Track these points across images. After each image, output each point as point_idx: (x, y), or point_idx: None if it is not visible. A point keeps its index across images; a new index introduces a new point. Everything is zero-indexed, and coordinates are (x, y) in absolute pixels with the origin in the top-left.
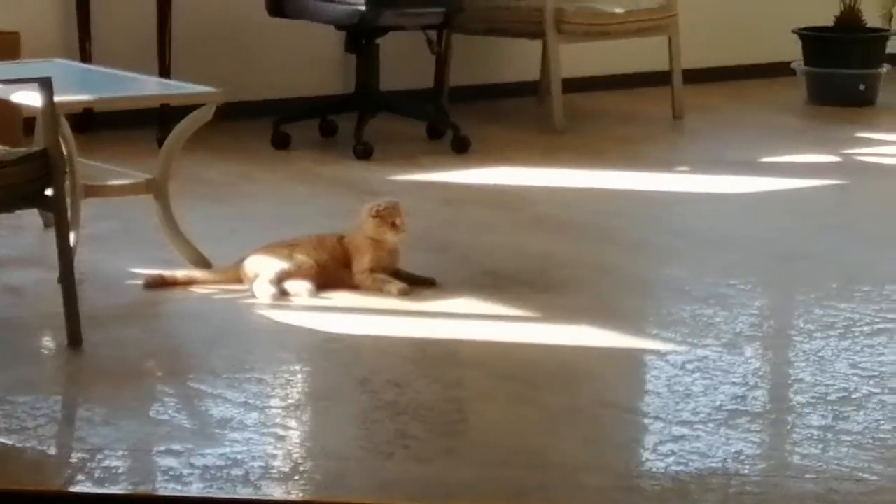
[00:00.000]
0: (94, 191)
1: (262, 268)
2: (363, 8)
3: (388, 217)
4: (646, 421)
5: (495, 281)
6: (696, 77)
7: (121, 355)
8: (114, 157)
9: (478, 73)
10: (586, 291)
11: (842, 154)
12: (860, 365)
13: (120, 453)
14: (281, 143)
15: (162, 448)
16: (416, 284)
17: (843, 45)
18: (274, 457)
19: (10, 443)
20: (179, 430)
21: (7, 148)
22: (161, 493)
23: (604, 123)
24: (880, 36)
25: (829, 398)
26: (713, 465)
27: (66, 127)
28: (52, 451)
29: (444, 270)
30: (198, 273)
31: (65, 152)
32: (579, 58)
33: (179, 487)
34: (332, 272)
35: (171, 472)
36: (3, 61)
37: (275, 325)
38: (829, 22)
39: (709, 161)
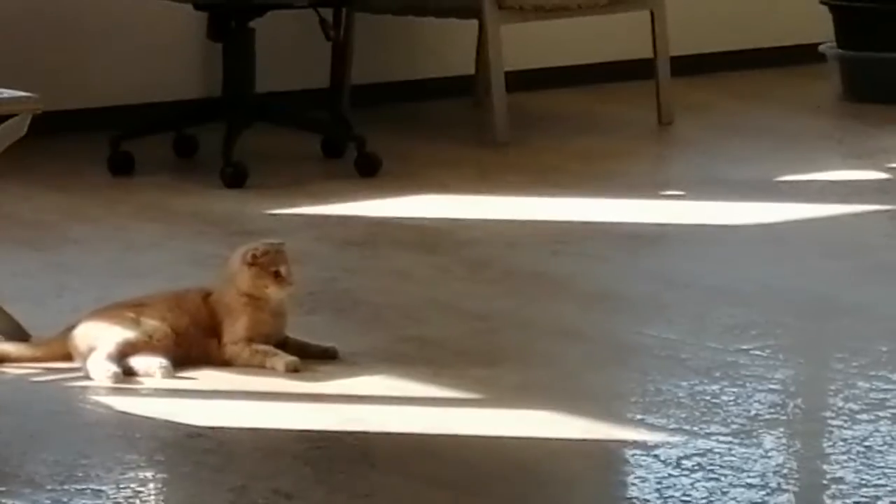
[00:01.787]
0: None
1: (99, 339)
2: None
3: (268, 265)
4: None
5: (418, 350)
6: (690, 67)
7: None
8: None
9: (390, 67)
10: (543, 363)
11: (890, 169)
12: None
13: None
14: (121, 166)
15: None
16: (311, 357)
17: (892, 21)
18: None
19: None
20: None
21: None
22: None
23: (563, 133)
24: None
25: None
26: None
27: None
28: None
29: (349, 337)
30: (10, 347)
31: None
32: (528, 44)
33: None
34: (195, 342)
35: None
36: None
37: (117, 417)
38: None
39: (707, 182)
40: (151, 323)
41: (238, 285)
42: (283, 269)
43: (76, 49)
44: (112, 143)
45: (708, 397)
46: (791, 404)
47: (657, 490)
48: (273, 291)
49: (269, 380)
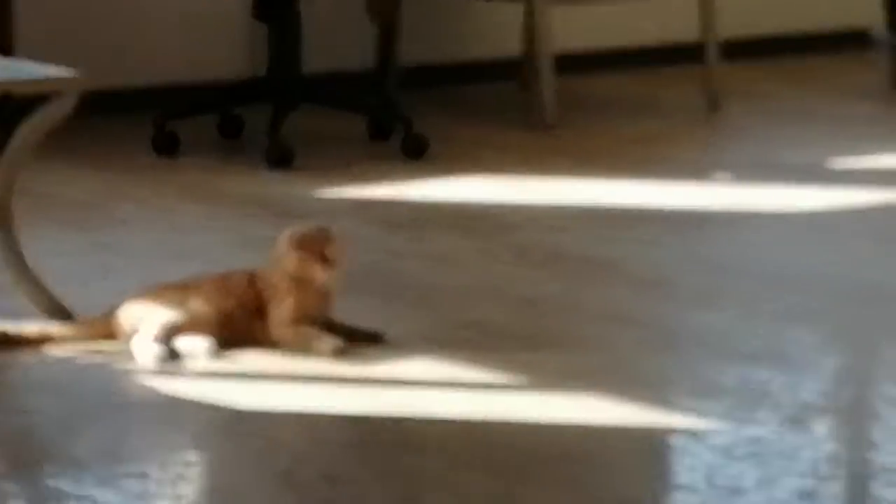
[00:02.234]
0: None
1: (144, 320)
2: None
3: (315, 248)
4: None
5: (465, 335)
6: (739, 51)
7: None
8: None
9: (438, 49)
10: (590, 348)
11: None
12: None
13: None
14: (167, 146)
15: None
16: (356, 340)
17: None
18: None
19: None
20: None
21: None
22: None
23: (611, 116)
24: None
25: None
26: None
27: None
28: None
29: (394, 321)
30: (55, 328)
31: None
32: (577, 27)
33: None
34: (241, 324)
35: None
36: None
37: (162, 399)
38: None
39: (757, 167)
40: (197, 304)
41: (284, 267)
42: (329, 253)
43: (122, 29)
44: (157, 123)
45: (758, 384)
46: (842, 392)
47: (706, 477)
48: (319, 274)
49: (315, 363)
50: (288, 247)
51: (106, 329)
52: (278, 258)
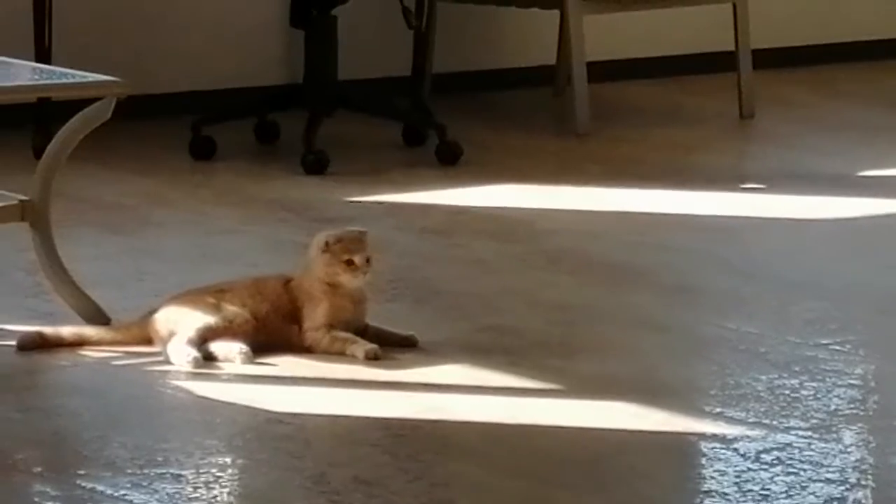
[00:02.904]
0: None
1: (180, 323)
2: None
3: (341, 253)
4: None
5: (497, 340)
6: (772, 60)
7: None
8: None
9: (472, 56)
10: (622, 355)
11: None
12: None
13: None
14: (203, 151)
15: None
16: (390, 345)
17: None
18: None
19: None
20: None
21: None
22: None
23: (644, 124)
24: None
25: None
26: None
27: None
28: None
29: (428, 326)
30: (91, 330)
31: None
32: (611, 35)
33: None
34: (276, 328)
35: None
36: None
37: (197, 402)
38: None
39: (788, 175)
40: (232, 308)
41: (315, 272)
42: (357, 258)
43: (160, 34)
44: (194, 128)
45: (787, 391)
46: (870, 400)
47: (736, 483)
48: (345, 279)
49: (349, 367)
50: (318, 251)
51: (142, 332)
52: (310, 262)
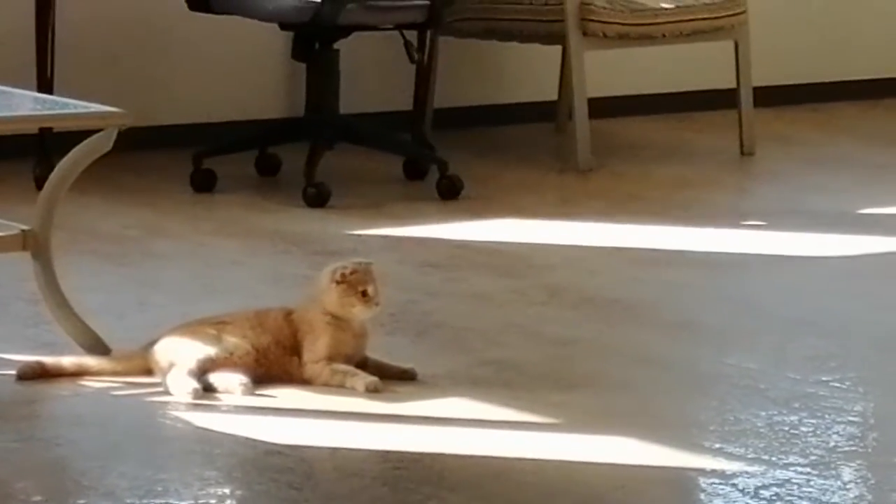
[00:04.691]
0: None
1: (180, 354)
2: None
3: (356, 284)
4: None
5: (497, 374)
6: (773, 98)
7: None
8: None
9: (473, 91)
10: (621, 390)
11: None
12: None
13: None
14: (204, 183)
15: None
16: (390, 378)
17: None
18: None
19: None
20: None
21: None
22: None
23: (645, 160)
24: None
25: None
26: None
27: None
28: None
29: (428, 359)
30: (91, 361)
31: None
32: (612, 71)
33: None
34: (276, 360)
35: None
36: None
37: (196, 433)
38: None
39: (789, 213)
40: (233, 340)
41: (324, 303)
42: (370, 290)
43: (162, 66)
44: (195, 160)
45: (787, 428)
46: (870, 437)
47: None
48: (359, 311)
49: (349, 399)
50: (329, 282)
51: (142, 363)
52: (318, 294)
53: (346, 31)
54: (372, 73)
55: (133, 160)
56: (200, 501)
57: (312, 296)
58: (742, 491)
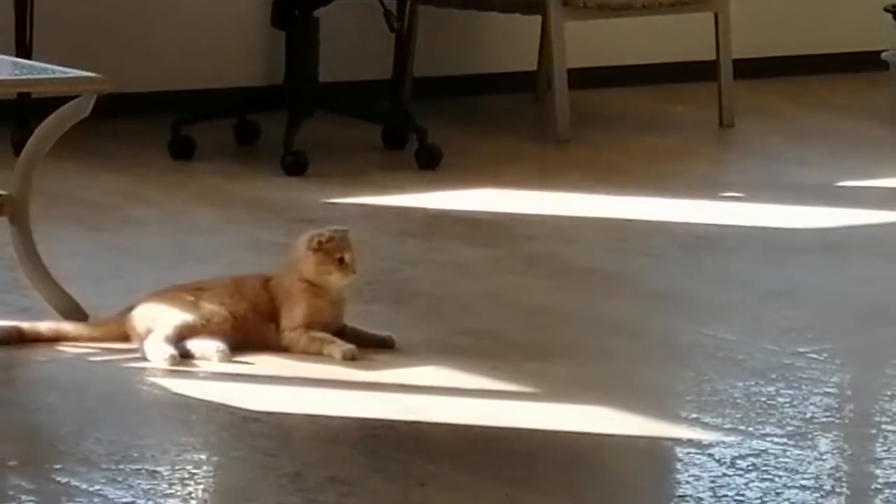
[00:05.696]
0: None
1: (157, 321)
2: None
3: (333, 252)
4: None
5: (475, 343)
6: (752, 70)
7: None
8: None
9: (453, 61)
10: (599, 359)
11: None
12: None
13: None
14: (183, 150)
15: None
16: (368, 346)
17: None
18: None
19: None
20: None
21: None
22: None
23: (624, 131)
24: None
25: None
26: None
27: None
28: None
29: (406, 327)
30: (68, 326)
31: None
32: (592, 41)
33: None
34: (254, 327)
35: None
36: None
37: (173, 399)
38: None
39: (767, 185)
40: (210, 307)
41: (301, 271)
42: (346, 257)
43: (142, 32)
44: (174, 127)
45: (763, 398)
46: (846, 408)
47: (711, 489)
48: (336, 278)
49: (326, 367)
50: (306, 249)
51: (119, 329)
52: (295, 261)
53: None
54: (351, 42)
55: (112, 127)
56: (177, 467)
57: (290, 263)
58: (718, 461)
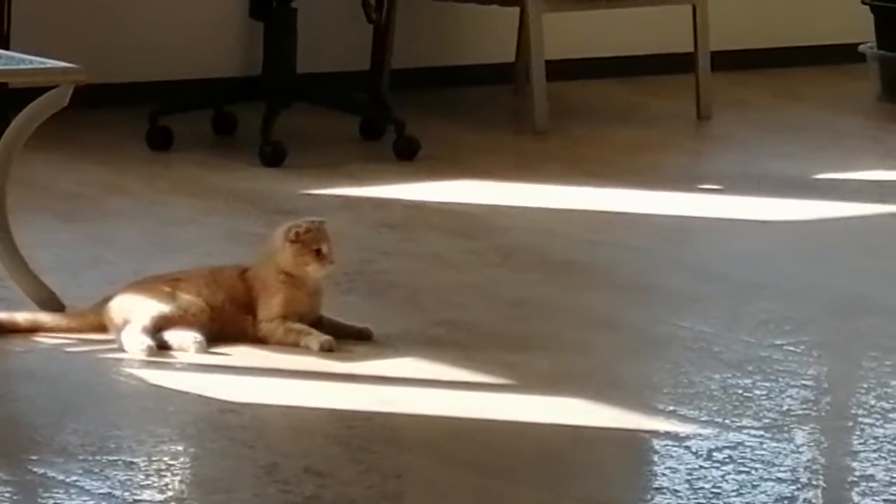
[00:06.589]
0: None
1: (134, 311)
2: None
3: (310, 243)
4: None
5: (452, 334)
6: (730, 63)
7: None
8: None
9: (431, 52)
10: (576, 352)
11: None
12: None
13: None
14: (160, 141)
15: None
16: (345, 337)
17: None
18: None
19: None
20: None
21: None
22: None
23: (602, 123)
24: None
25: None
26: None
27: None
28: None
29: (383, 319)
30: (45, 317)
31: None
32: (570, 33)
33: None
34: (231, 318)
35: None
36: None
37: (150, 390)
38: None
39: (745, 177)
40: (187, 298)
41: (278, 262)
42: (324, 248)
43: (119, 23)
44: (151, 117)
45: (740, 391)
46: (823, 400)
47: (687, 481)
48: (313, 269)
49: (303, 358)
50: (283, 241)
51: (96, 320)
52: (272, 252)
53: None
54: (329, 33)
55: (89, 117)
56: (154, 458)
57: (267, 254)
58: (695, 453)
